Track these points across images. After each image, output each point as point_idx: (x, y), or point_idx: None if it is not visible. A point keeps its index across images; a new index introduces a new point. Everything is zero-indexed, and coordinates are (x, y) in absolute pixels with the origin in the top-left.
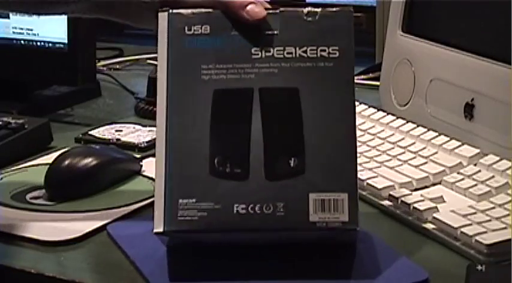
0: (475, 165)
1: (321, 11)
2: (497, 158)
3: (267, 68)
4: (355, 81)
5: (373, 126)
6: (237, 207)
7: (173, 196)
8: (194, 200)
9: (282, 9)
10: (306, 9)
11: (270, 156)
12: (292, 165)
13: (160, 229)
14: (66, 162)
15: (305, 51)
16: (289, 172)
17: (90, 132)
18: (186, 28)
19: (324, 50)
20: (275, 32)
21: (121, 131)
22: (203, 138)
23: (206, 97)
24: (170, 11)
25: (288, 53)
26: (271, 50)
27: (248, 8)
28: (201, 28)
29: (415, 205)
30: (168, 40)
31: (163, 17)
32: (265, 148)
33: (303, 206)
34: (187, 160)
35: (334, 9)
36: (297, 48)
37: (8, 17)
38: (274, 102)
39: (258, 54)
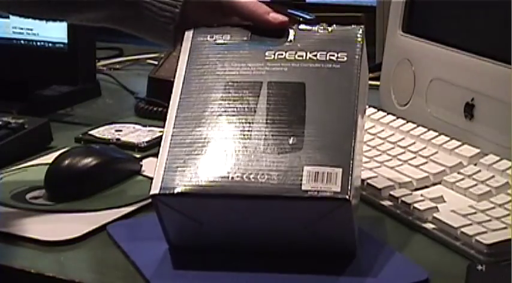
0: (475, 165)
1: (335, 27)
2: (497, 158)
3: (278, 66)
4: None
5: (373, 126)
6: (233, 174)
7: (173, 164)
8: (191, 168)
9: (299, 26)
10: (320, 26)
11: (270, 133)
12: (291, 142)
13: (156, 191)
14: (66, 162)
15: (315, 55)
16: (287, 148)
17: (90, 132)
18: (209, 36)
19: (333, 55)
20: (289, 39)
21: (121, 130)
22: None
23: (218, 88)
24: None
25: (299, 56)
26: (284, 53)
27: (271, 14)
28: (222, 37)
29: (415, 205)
30: (191, 46)
31: (188, 33)
32: (266, 127)
33: (297, 176)
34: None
35: (347, 27)
36: (308, 52)
37: (8, 17)
38: (281, 93)
39: (270, 57)
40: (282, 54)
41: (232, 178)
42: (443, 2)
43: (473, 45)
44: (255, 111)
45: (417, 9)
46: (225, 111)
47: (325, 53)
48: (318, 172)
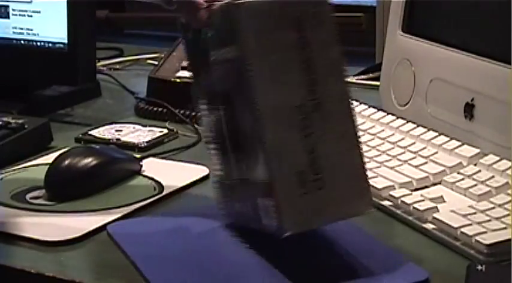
0: (475, 165)
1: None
2: (497, 158)
3: None
4: (355, 81)
5: (373, 126)
6: None
7: None
8: None
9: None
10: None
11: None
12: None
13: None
14: (66, 162)
15: None
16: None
17: (90, 132)
18: None
19: None
20: None
21: (121, 131)
22: None
23: None
24: None
25: None
26: None
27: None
28: None
29: (415, 205)
30: None
31: None
32: None
33: None
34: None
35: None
36: None
37: (8, 17)
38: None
39: None
40: None
41: None
42: (443, 2)
43: (473, 45)
44: None
45: (417, 9)
46: None
47: None
48: None
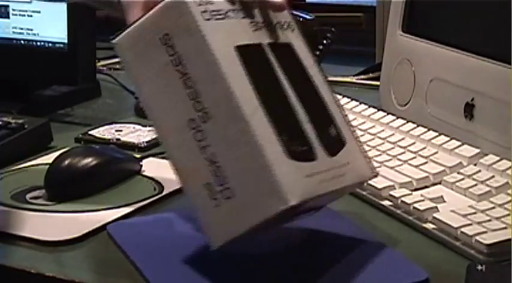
0: (475, 165)
1: None
2: (497, 158)
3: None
4: (355, 81)
5: (373, 126)
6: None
7: None
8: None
9: None
10: None
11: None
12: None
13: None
14: (66, 162)
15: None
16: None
17: (90, 132)
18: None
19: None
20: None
21: (121, 131)
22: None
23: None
24: None
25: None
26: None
27: None
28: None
29: (415, 205)
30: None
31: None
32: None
33: None
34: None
35: None
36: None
37: (8, 17)
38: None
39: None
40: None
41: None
42: (443, 2)
43: (473, 45)
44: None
45: (417, 9)
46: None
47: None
48: None
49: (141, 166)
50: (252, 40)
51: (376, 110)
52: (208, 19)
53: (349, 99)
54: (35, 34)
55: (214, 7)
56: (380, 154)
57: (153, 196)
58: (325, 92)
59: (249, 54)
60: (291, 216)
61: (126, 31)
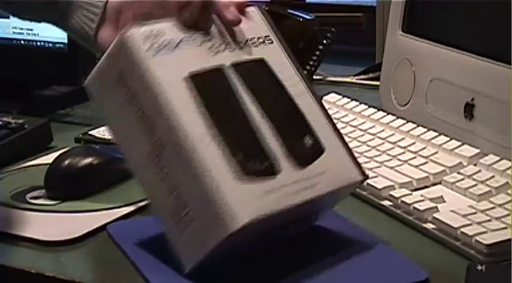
0: (475, 165)
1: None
2: (497, 158)
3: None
4: (355, 81)
5: (373, 126)
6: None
7: None
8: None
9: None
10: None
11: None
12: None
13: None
14: (66, 162)
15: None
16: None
17: (90, 132)
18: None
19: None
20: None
21: None
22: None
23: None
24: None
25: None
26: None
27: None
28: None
29: (415, 205)
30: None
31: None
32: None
33: None
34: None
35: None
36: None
37: (8, 17)
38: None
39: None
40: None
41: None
42: (443, 2)
43: (473, 45)
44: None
45: (417, 9)
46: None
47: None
48: None
49: None
50: (209, 64)
51: (376, 110)
52: (155, 53)
53: (349, 99)
54: (35, 34)
55: (166, 38)
56: (380, 154)
57: None
58: (305, 100)
59: (201, 80)
60: (274, 229)
61: (92, 71)
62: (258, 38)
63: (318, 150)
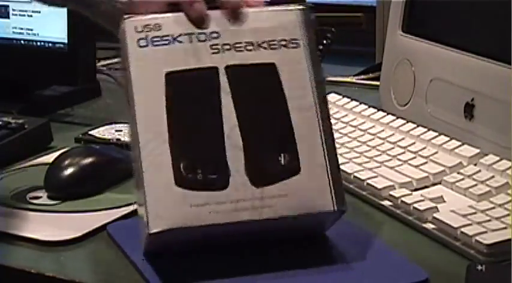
0: (475, 165)
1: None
2: (497, 158)
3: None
4: (355, 81)
5: (373, 126)
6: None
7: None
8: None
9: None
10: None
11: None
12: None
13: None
14: (66, 162)
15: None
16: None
17: (90, 132)
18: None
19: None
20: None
21: (121, 130)
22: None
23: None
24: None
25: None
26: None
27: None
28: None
29: (415, 205)
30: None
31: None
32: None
33: None
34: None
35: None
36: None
37: (8, 17)
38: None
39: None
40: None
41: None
42: (443, 2)
43: (473, 45)
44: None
45: (417, 9)
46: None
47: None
48: None
49: None
50: (200, 63)
51: (376, 110)
52: (144, 46)
53: (349, 99)
54: (35, 34)
55: (161, 33)
56: (380, 154)
57: None
58: (306, 115)
59: (183, 78)
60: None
61: None
62: (280, 41)
63: (289, 170)
